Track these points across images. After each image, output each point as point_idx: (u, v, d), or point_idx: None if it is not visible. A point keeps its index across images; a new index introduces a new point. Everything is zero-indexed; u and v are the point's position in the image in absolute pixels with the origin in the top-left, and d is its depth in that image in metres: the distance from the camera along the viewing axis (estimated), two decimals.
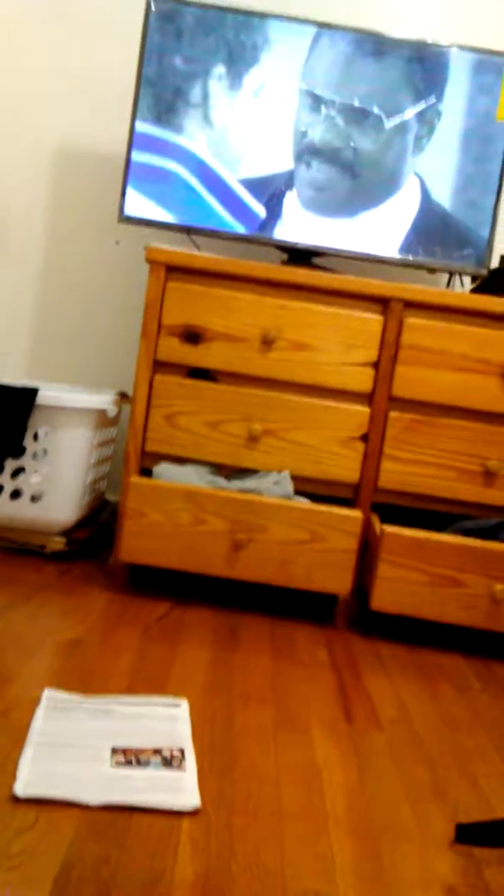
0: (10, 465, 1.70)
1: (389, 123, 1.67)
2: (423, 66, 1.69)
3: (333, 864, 0.82)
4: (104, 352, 2.13)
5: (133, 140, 1.73)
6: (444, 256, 1.75)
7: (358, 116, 1.71)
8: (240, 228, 1.75)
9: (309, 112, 1.72)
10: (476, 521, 1.62)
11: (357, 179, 1.73)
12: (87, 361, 2.13)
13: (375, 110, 1.70)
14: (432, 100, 1.69)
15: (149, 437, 1.64)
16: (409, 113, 1.69)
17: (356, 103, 1.70)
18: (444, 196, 1.73)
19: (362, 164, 1.72)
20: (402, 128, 1.71)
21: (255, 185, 1.74)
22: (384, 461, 1.63)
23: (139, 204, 1.74)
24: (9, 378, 2.10)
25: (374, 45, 1.69)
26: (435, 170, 1.73)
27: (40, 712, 1.04)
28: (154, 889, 0.74)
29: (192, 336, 1.63)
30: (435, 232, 1.74)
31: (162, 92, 1.72)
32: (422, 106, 1.67)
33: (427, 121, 1.70)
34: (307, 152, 1.73)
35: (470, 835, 0.89)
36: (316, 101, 1.71)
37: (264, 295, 1.62)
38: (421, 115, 1.70)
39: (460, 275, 1.83)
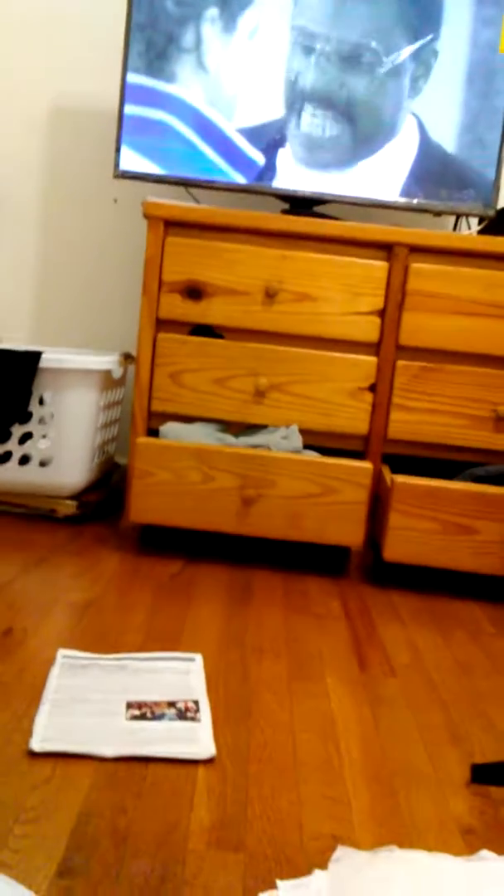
0: (18, 430, 1.70)
1: (384, 65, 1.62)
2: (418, 3, 1.63)
3: (349, 808, 0.82)
4: (107, 313, 2.10)
5: (125, 92, 1.69)
6: (449, 198, 1.70)
7: (353, 59, 1.65)
8: (238, 179, 1.70)
9: (304, 57, 1.66)
10: (487, 468, 1.60)
11: (355, 124, 1.68)
12: (90, 323, 2.11)
13: (370, 51, 1.64)
14: (429, 37, 1.62)
15: (154, 397, 1.63)
16: (405, 52, 1.63)
17: (350, 45, 1.64)
18: (446, 136, 1.68)
19: (359, 108, 1.67)
20: (398, 69, 1.65)
21: (252, 134, 1.69)
22: (393, 411, 1.61)
23: (135, 159, 1.70)
24: (11, 343, 2.09)
25: None
26: (435, 110, 1.67)
27: (55, 671, 1.05)
28: (170, 836, 0.75)
29: (194, 292, 1.60)
30: (438, 174, 1.69)
31: (153, 38, 1.67)
32: (417, 45, 1.61)
33: (423, 60, 1.64)
34: (303, 98, 1.67)
35: (486, 775, 0.88)
36: (310, 45, 1.65)
37: (265, 246, 1.59)
38: (416, 55, 1.64)
39: (467, 217, 1.78)
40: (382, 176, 1.69)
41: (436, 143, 1.68)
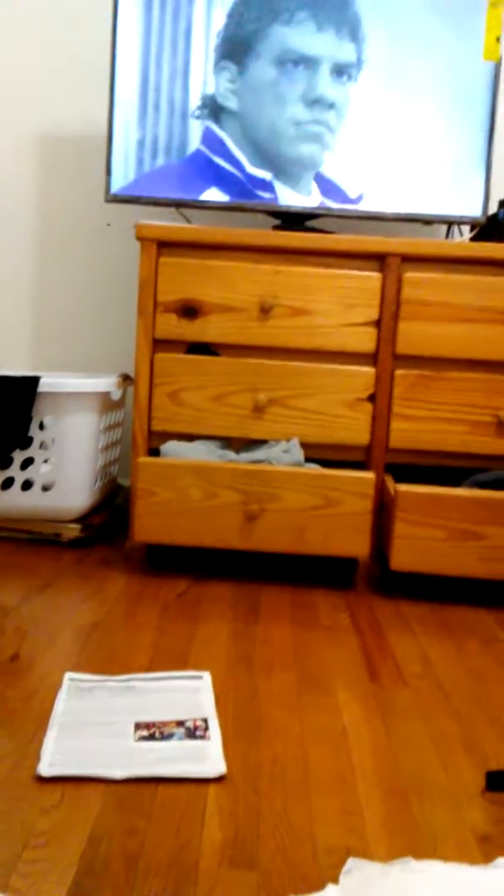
0: (19, 456, 1.70)
1: (365, 79, 1.63)
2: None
3: (363, 819, 0.81)
4: (104, 335, 2.11)
5: (113, 118, 1.70)
6: (440, 207, 1.71)
7: (334, 72, 1.67)
8: (229, 198, 1.72)
9: (289, 73, 1.68)
10: (491, 473, 1.59)
11: (339, 136, 1.69)
12: (88, 347, 2.12)
13: (352, 66, 1.66)
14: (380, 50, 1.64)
15: (154, 417, 1.63)
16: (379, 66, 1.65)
17: (334, 62, 1.66)
18: (433, 145, 1.69)
19: (343, 119, 1.68)
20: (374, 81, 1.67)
21: (243, 152, 1.71)
22: (394, 420, 1.61)
23: (125, 182, 1.72)
24: (10, 369, 2.09)
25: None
26: (420, 120, 1.68)
27: (62, 694, 1.04)
28: (182, 856, 0.74)
29: (189, 311, 1.61)
30: (429, 183, 1.70)
31: (141, 64, 1.69)
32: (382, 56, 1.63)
33: (399, 75, 1.66)
34: (288, 114, 1.69)
35: (501, 782, 0.87)
36: (294, 62, 1.67)
37: (259, 262, 1.60)
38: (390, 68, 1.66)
39: (458, 224, 1.79)
40: (372, 188, 1.70)
41: (424, 153, 1.69)
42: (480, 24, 1.66)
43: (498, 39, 1.67)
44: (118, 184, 1.72)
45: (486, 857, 0.76)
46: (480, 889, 0.68)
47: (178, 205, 1.74)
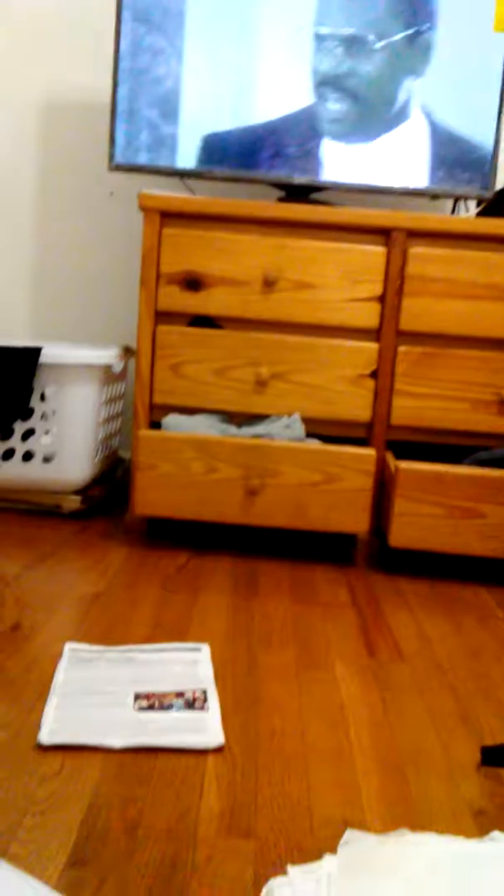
0: (20, 427, 1.70)
1: (379, 51, 1.60)
2: None
3: (360, 792, 0.82)
4: (106, 307, 2.10)
5: (118, 84, 1.68)
6: (447, 181, 1.69)
7: (350, 47, 1.63)
8: (234, 168, 1.69)
9: (300, 44, 1.65)
10: (491, 452, 1.59)
11: (355, 108, 1.66)
12: (90, 318, 2.10)
13: (365, 39, 1.63)
14: (425, 26, 1.61)
15: (156, 389, 1.62)
16: (398, 38, 1.62)
17: (346, 35, 1.63)
18: (444, 119, 1.67)
19: (359, 92, 1.66)
20: (393, 54, 1.64)
21: (246, 125, 1.68)
22: (396, 397, 1.60)
23: (129, 151, 1.69)
24: (11, 340, 2.08)
25: None
26: (433, 94, 1.66)
27: (63, 665, 1.05)
28: (180, 824, 0.75)
29: (192, 283, 1.60)
30: (435, 157, 1.68)
31: (146, 26, 1.66)
32: (411, 32, 1.59)
33: (420, 47, 1.63)
34: (312, 81, 1.66)
35: (496, 757, 0.88)
36: (303, 34, 1.64)
37: (263, 235, 1.58)
38: (411, 41, 1.63)
39: (465, 199, 1.77)
40: (379, 161, 1.68)
41: (434, 127, 1.67)
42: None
43: None
44: (121, 152, 1.69)
45: (481, 831, 0.77)
46: (475, 861, 0.69)
47: (183, 174, 1.72)
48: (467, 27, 1.64)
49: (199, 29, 1.65)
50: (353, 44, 1.63)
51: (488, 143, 1.67)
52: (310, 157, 1.69)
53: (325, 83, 1.65)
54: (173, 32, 1.66)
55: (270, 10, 1.64)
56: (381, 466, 1.60)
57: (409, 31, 1.60)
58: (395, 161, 1.68)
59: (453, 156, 1.67)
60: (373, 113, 1.67)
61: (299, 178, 1.69)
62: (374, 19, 1.63)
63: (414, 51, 1.64)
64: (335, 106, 1.66)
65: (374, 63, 1.64)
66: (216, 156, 1.69)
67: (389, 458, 1.59)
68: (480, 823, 0.78)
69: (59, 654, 1.08)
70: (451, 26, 1.64)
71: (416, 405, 1.61)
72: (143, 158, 1.70)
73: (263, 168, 1.69)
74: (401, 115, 1.67)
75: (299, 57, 1.65)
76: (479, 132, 1.66)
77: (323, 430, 1.63)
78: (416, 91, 1.66)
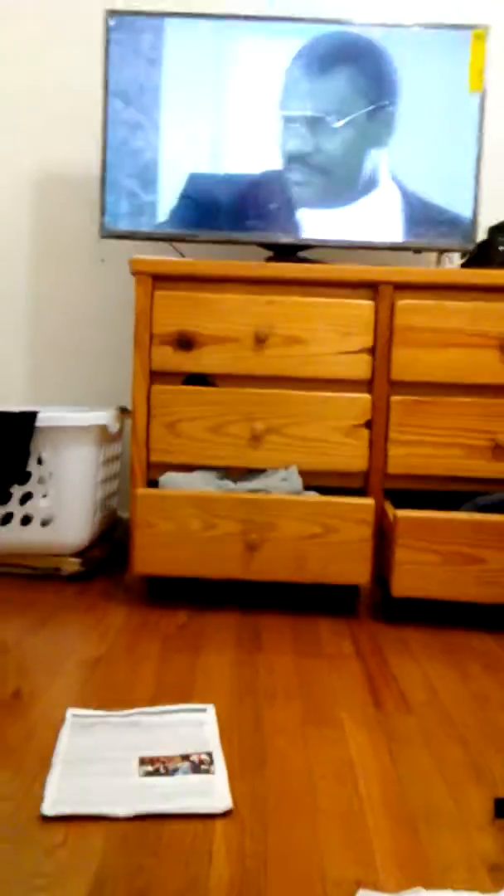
0: (17, 491, 1.70)
1: (338, 123, 1.67)
2: (367, 74, 1.69)
3: (372, 850, 0.80)
4: (101, 369, 2.13)
5: (107, 155, 1.73)
6: (430, 236, 1.73)
7: (319, 123, 1.70)
8: (222, 232, 1.74)
9: (274, 123, 1.71)
10: (489, 497, 1.59)
11: (330, 177, 1.72)
12: (85, 381, 2.13)
13: (333, 116, 1.70)
14: (384, 102, 1.68)
15: (152, 448, 1.63)
16: (360, 114, 1.69)
17: (317, 113, 1.70)
18: (422, 178, 1.72)
19: (330, 164, 1.71)
20: (357, 127, 1.70)
21: (234, 188, 1.73)
22: (391, 446, 1.62)
23: (119, 218, 1.74)
24: (8, 404, 2.10)
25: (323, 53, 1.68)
26: (409, 158, 1.71)
27: (65, 731, 1.03)
28: (190, 894, 0.73)
29: (185, 342, 1.62)
30: (417, 214, 1.73)
31: (130, 105, 1.72)
32: (372, 108, 1.67)
33: (383, 119, 1.69)
34: (282, 157, 1.72)
35: None
36: (279, 116, 1.71)
37: (253, 293, 1.62)
38: (373, 115, 1.69)
39: (448, 252, 1.81)
40: (363, 220, 1.73)
41: (413, 188, 1.72)
42: (466, 56, 1.70)
43: (481, 71, 1.71)
44: (111, 220, 1.74)
45: (497, 886, 0.75)
46: None
47: (171, 239, 1.76)
48: (431, 96, 1.71)
49: (174, 103, 1.72)
50: (317, 123, 1.70)
51: (468, 198, 1.72)
52: (292, 218, 1.73)
53: (293, 160, 1.71)
54: (151, 107, 1.72)
55: (239, 91, 1.71)
56: (380, 515, 1.61)
57: (371, 108, 1.67)
58: (376, 219, 1.73)
59: (434, 213, 1.72)
60: (345, 183, 1.72)
61: (285, 238, 1.74)
62: (336, 99, 1.70)
63: (378, 125, 1.70)
64: (304, 178, 1.72)
65: (337, 140, 1.70)
66: (203, 220, 1.74)
67: (388, 507, 1.59)
68: (496, 878, 0.76)
69: (61, 721, 1.06)
70: (414, 98, 1.70)
71: (412, 453, 1.62)
72: (131, 225, 1.75)
73: (249, 230, 1.74)
74: (371, 183, 1.72)
75: (268, 133, 1.71)
76: (459, 189, 1.72)
77: (320, 481, 1.63)
78: (390, 159, 1.71)
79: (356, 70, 1.68)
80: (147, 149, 1.73)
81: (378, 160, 1.72)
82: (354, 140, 1.71)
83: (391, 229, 1.73)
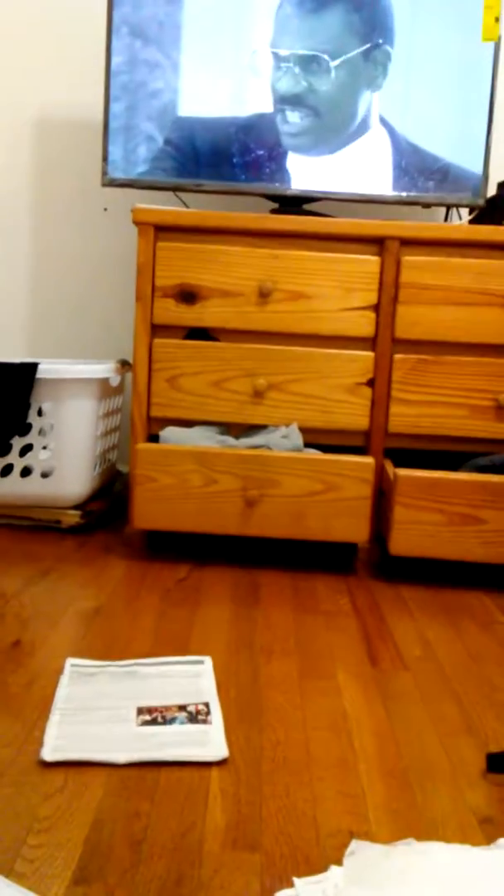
0: (18, 442, 1.70)
1: (334, 63, 1.62)
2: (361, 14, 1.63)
3: (365, 802, 0.81)
4: (103, 321, 2.10)
5: (110, 100, 1.69)
6: (439, 191, 1.70)
7: (316, 64, 1.65)
8: (227, 181, 1.70)
9: (272, 64, 1.66)
10: (490, 457, 1.59)
11: (324, 120, 1.67)
12: (87, 333, 2.11)
13: (324, 56, 1.64)
14: (378, 40, 1.63)
15: (153, 403, 1.62)
16: (354, 53, 1.63)
17: (312, 53, 1.64)
18: (432, 129, 1.68)
19: (326, 105, 1.67)
20: (351, 68, 1.65)
21: (238, 137, 1.69)
22: (393, 405, 1.61)
23: (122, 166, 1.70)
24: (8, 356, 2.09)
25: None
26: (418, 105, 1.67)
27: (64, 680, 1.04)
28: (186, 839, 0.74)
29: (188, 295, 1.60)
30: (427, 166, 1.69)
31: (136, 45, 1.67)
32: (366, 47, 1.62)
33: (378, 60, 1.64)
34: (279, 100, 1.67)
35: (501, 764, 0.88)
36: (276, 56, 1.65)
37: (257, 247, 1.59)
38: (367, 55, 1.64)
39: (457, 208, 1.78)
40: (370, 172, 1.69)
41: (423, 143, 1.68)
42: (479, 5, 1.65)
43: (497, 20, 1.65)
44: (115, 168, 1.70)
45: (488, 839, 0.76)
46: (482, 870, 0.68)
47: (176, 189, 1.73)
48: (443, 40, 1.65)
49: (194, 41, 1.67)
50: (316, 64, 1.64)
51: (479, 152, 1.68)
52: (298, 170, 1.69)
53: (292, 103, 1.67)
54: (169, 46, 1.67)
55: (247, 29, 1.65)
56: (380, 474, 1.60)
57: (362, 49, 1.61)
58: (384, 173, 1.69)
59: (443, 165, 1.68)
60: (345, 130, 1.68)
61: (292, 190, 1.70)
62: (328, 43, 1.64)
63: (375, 68, 1.65)
64: (308, 125, 1.67)
65: (337, 85, 1.65)
66: (209, 169, 1.70)
67: (388, 465, 1.59)
68: (487, 831, 0.78)
69: (61, 670, 1.08)
70: (418, 40, 1.65)
71: (414, 412, 1.61)
72: (136, 173, 1.71)
73: (256, 180, 1.70)
74: (377, 135, 1.68)
75: (259, 75, 1.66)
76: (469, 142, 1.68)
77: (321, 439, 1.63)
78: (407, 98, 1.67)
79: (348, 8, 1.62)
80: (158, 93, 1.68)
81: (382, 111, 1.67)
82: (348, 83, 1.66)
83: (399, 183, 1.69)
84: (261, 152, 1.69)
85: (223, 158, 1.70)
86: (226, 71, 1.67)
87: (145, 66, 1.68)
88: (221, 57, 1.67)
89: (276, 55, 1.62)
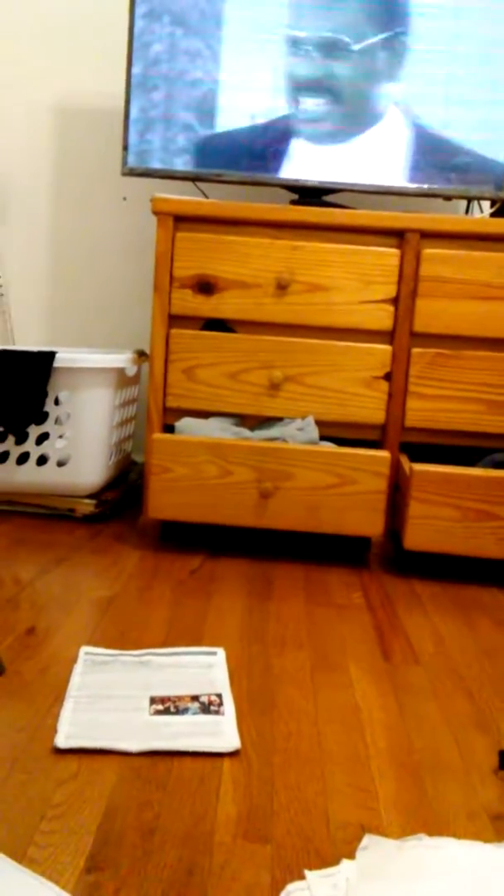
0: (34, 431, 1.71)
1: (357, 47, 1.60)
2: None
3: (376, 796, 0.81)
4: (120, 311, 2.11)
5: (131, 89, 1.68)
6: (461, 183, 1.68)
7: (330, 48, 1.63)
8: (247, 172, 1.70)
9: (295, 52, 1.65)
10: None
11: (346, 107, 1.66)
12: (103, 322, 2.11)
13: (344, 39, 1.63)
14: (399, 29, 1.61)
15: (169, 393, 1.62)
16: (374, 41, 1.62)
17: (332, 39, 1.63)
18: (454, 121, 1.66)
19: (353, 94, 1.65)
20: (374, 58, 1.64)
21: (258, 127, 1.68)
22: (410, 399, 1.60)
23: (142, 155, 1.70)
24: (26, 345, 2.09)
25: None
26: (439, 96, 1.65)
27: (78, 668, 1.05)
28: (197, 829, 0.74)
29: (206, 286, 1.60)
30: (448, 159, 1.67)
31: (157, 38, 1.66)
32: (385, 35, 1.60)
33: (396, 49, 1.62)
34: (298, 89, 1.66)
35: None
36: (299, 41, 1.64)
37: (276, 238, 1.58)
38: (387, 43, 1.62)
39: (479, 200, 1.76)
40: (391, 163, 1.68)
41: (445, 133, 1.66)
42: None
43: None
44: (134, 157, 1.70)
45: (499, 836, 0.76)
46: (493, 866, 0.68)
47: (196, 178, 1.72)
48: (467, 28, 1.63)
49: (232, 31, 1.66)
50: (332, 47, 1.63)
51: (501, 144, 1.66)
52: (318, 161, 1.68)
53: (301, 88, 1.65)
54: (210, 35, 1.66)
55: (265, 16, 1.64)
56: (396, 469, 1.60)
57: (381, 37, 1.59)
58: (406, 163, 1.67)
59: (465, 158, 1.67)
60: (365, 121, 1.66)
61: (312, 180, 1.69)
62: (348, 28, 1.62)
63: (393, 57, 1.63)
64: (330, 116, 1.66)
65: (358, 73, 1.63)
66: (229, 159, 1.69)
67: (404, 460, 1.59)
68: (498, 828, 0.77)
69: (75, 658, 1.08)
70: (440, 29, 1.63)
71: (431, 407, 1.60)
72: (155, 163, 1.71)
73: (275, 171, 1.69)
74: (399, 127, 1.66)
75: (299, 66, 1.65)
76: (493, 135, 1.66)
77: (337, 432, 1.62)
78: (430, 90, 1.65)
79: None
80: (178, 82, 1.68)
81: (404, 100, 1.66)
82: (369, 71, 1.65)
83: (420, 175, 1.68)
84: (281, 143, 1.68)
85: (243, 148, 1.69)
86: (253, 60, 1.66)
87: (168, 55, 1.67)
88: (247, 46, 1.66)
89: (294, 39, 1.60)
